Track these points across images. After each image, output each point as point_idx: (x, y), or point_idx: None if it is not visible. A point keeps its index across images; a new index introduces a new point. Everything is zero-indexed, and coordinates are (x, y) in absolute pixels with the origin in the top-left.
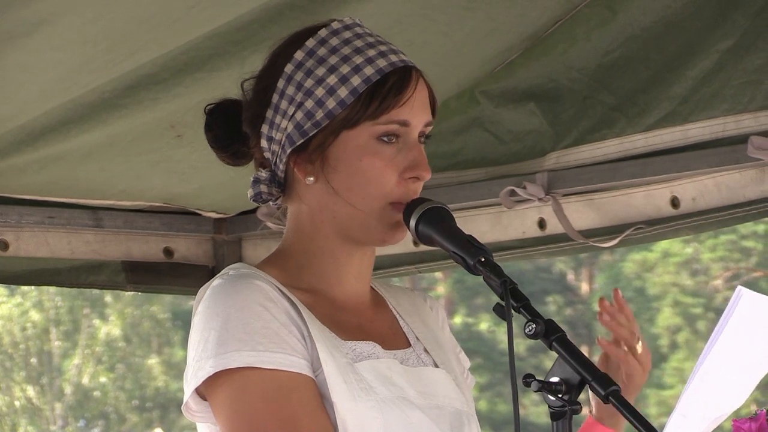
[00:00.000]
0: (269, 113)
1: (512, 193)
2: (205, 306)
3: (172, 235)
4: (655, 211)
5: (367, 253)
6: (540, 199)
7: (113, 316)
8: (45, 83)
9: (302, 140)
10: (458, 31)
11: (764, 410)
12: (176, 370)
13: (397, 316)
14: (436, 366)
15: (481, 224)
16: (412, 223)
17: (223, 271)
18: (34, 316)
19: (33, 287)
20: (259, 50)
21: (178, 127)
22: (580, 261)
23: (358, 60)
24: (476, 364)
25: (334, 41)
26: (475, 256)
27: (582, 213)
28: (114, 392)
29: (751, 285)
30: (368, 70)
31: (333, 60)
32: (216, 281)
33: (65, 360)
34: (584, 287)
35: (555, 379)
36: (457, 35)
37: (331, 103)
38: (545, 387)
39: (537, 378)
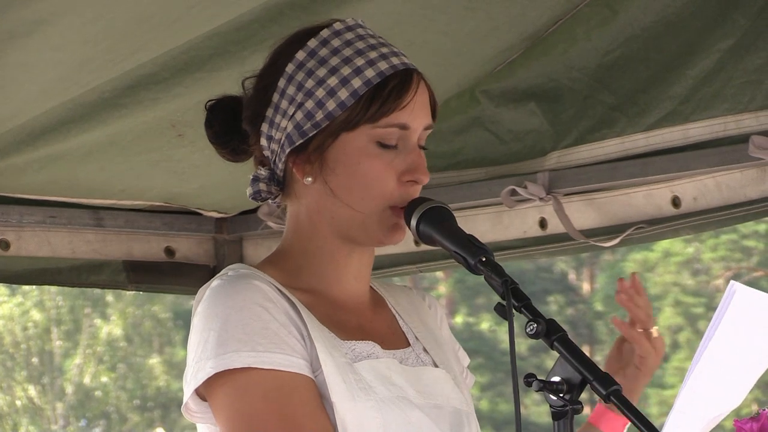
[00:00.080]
0: (269, 112)
1: (513, 192)
2: (204, 307)
3: (173, 234)
4: (655, 210)
5: (366, 253)
6: (541, 199)
7: (114, 316)
8: (45, 83)
9: (301, 140)
10: (458, 30)
11: (766, 410)
12: (177, 369)
13: (396, 315)
14: (436, 365)
15: (482, 224)
16: (413, 222)
17: (222, 272)
18: (36, 315)
19: (34, 287)
20: (259, 50)
21: (179, 126)
22: (581, 261)
23: (360, 62)
24: (477, 364)
25: (336, 42)
26: (476, 256)
27: (583, 212)
28: (115, 392)
29: (753, 284)
30: (369, 73)
31: (334, 61)
32: (215, 282)
33: (66, 359)
34: (585, 287)
35: (556, 379)
36: (458, 35)
37: (331, 105)
38: (546, 386)
39: (538, 377)
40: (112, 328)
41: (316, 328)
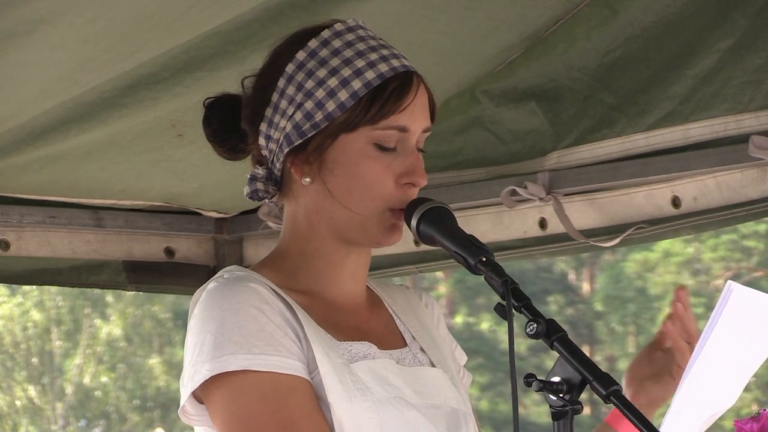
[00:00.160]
0: (268, 112)
1: (513, 192)
2: (200, 309)
3: (173, 234)
4: (656, 210)
5: (362, 254)
6: (541, 199)
7: (114, 316)
8: (45, 82)
9: (300, 141)
10: (458, 30)
11: (766, 410)
12: (177, 369)
13: (393, 315)
14: (433, 365)
15: (482, 224)
16: (414, 222)
17: (218, 274)
18: (36, 315)
19: (34, 287)
20: (259, 50)
21: (179, 126)
22: (582, 261)
23: (360, 63)
24: (477, 364)
25: (337, 43)
26: (477, 256)
27: (583, 213)
28: (115, 392)
29: (753, 285)
30: (369, 74)
31: (334, 62)
32: (211, 284)
33: (66, 360)
34: (585, 287)
35: (556, 379)
36: (458, 35)
37: (330, 106)
38: (546, 387)
39: (538, 378)
40: (112, 328)
41: (312, 330)
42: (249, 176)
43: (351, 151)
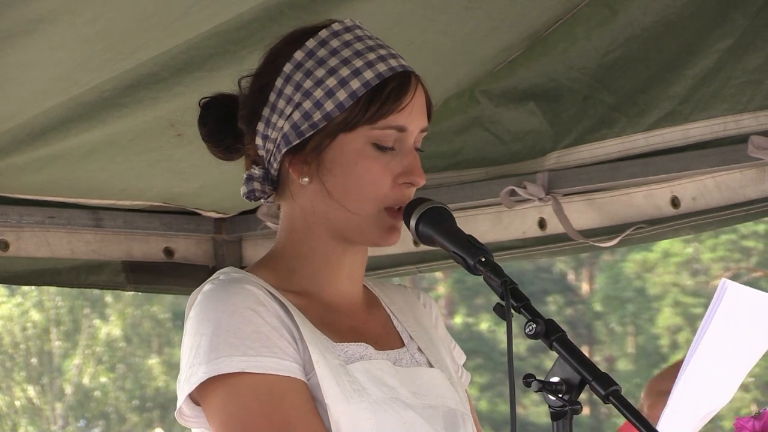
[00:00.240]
0: (266, 111)
1: (512, 192)
2: (196, 311)
3: (172, 234)
4: (655, 210)
5: (359, 254)
6: (540, 199)
7: (113, 316)
8: (45, 82)
9: (298, 141)
10: (458, 30)
11: (767, 409)
12: (176, 370)
13: (391, 315)
14: (430, 365)
15: (482, 224)
16: (413, 223)
17: (213, 276)
18: (35, 316)
19: (33, 287)
20: (258, 49)
21: (178, 126)
22: (581, 261)
23: (358, 63)
24: (477, 364)
25: (335, 43)
26: (476, 256)
27: (582, 213)
28: (114, 392)
29: (752, 285)
30: (368, 74)
31: (333, 62)
32: (206, 286)
33: (66, 360)
34: (584, 287)
35: (555, 379)
36: (457, 35)
37: (329, 106)
38: (546, 387)
39: (537, 378)
40: (111, 328)
41: (308, 331)
42: (246, 176)
43: (349, 151)
